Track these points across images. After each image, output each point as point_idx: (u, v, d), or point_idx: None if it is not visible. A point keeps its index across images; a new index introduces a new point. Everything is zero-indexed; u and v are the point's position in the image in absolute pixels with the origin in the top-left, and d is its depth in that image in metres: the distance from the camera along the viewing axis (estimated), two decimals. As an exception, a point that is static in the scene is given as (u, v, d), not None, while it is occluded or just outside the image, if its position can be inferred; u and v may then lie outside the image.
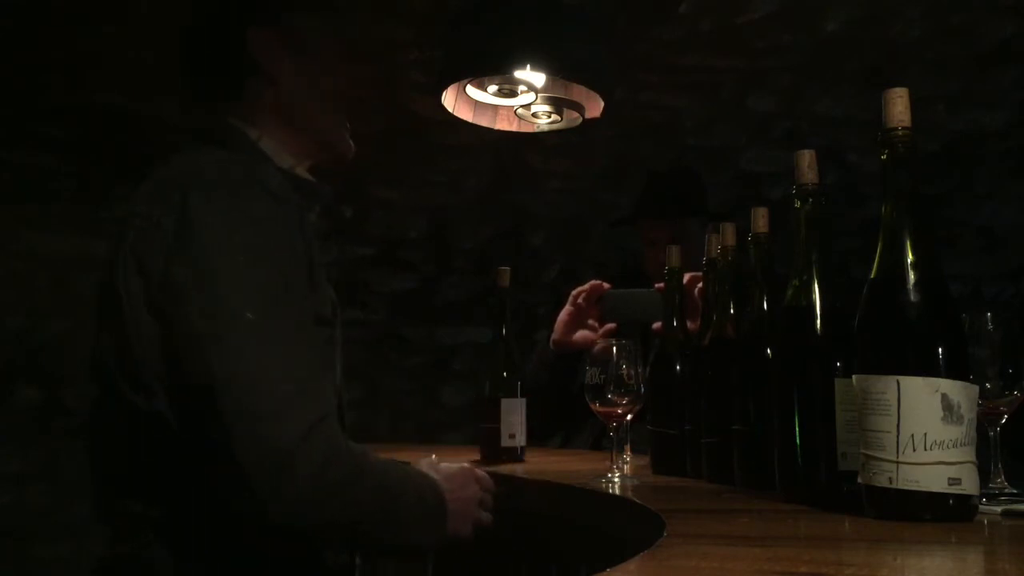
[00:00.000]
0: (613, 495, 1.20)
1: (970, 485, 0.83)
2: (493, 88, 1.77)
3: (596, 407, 1.32)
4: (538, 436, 1.90)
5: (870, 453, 0.85)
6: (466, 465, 1.30)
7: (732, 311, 1.30)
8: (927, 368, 0.84)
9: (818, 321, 1.01)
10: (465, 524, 1.22)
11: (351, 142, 1.37)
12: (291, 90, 1.28)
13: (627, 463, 1.52)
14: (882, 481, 0.84)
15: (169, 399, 1.06)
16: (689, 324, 1.52)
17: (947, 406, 0.82)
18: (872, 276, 0.90)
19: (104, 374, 1.11)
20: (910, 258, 0.87)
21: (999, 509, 0.91)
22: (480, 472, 1.30)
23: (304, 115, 1.30)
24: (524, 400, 1.73)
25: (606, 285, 2.02)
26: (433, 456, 1.33)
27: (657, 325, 1.62)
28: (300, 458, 0.98)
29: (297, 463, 0.98)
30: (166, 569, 1.08)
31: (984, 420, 1.02)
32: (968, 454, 0.83)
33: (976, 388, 0.86)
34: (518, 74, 1.68)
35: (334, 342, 1.25)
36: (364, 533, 1.11)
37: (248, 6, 1.29)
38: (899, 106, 0.89)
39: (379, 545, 1.21)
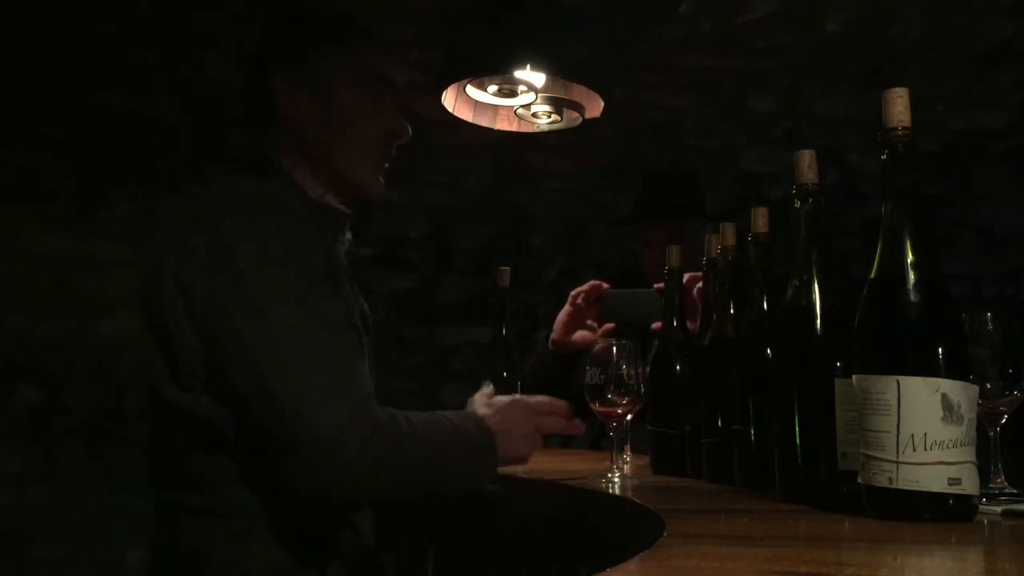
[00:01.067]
0: (613, 495, 1.20)
1: (970, 485, 0.83)
2: (493, 88, 1.77)
3: (596, 407, 1.32)
4: None
5: (870, 453, 0.85)
6: (517, 396, 1.41)
7: (732, 311, 1.30)
8: (927, 368, 0.84)
9: (818, 321, 1.01)
10: (522, 443, 1.30)
11: (382, 182, 1.42)
12: (312, 133, 1.35)
13: (627, 463, 1.52)
14: (882, 481, 0.84)
15: (212, 398, 1.17)
16: (689, 324, 1.52)
17: (947, 406, 0.82)
18: (872, 276, 0.90)
19: (150, 378, 1.22)
20: (910, 258, 0.87)
21: (999, 509, 0.91)
22: (537, 398, 1.39)
23: (326, 156, 1.36)
24: (524, 400, 1.72)
25: (605, 285, 2.02)
26: (489, 387, 1.42)
27: (657, 325, 1.62)
28: (346, 438, 1.10)
29: (344, 443, 1.10)
30: (206, 555, 1.19)
31: (984, 420, 1.02)
32: (968, 454, 0.83)
33: (976, 388, 0.86)
34: (518, 74, 1.68)
35: (364, 347, 1.32)
36: (422, 490, 1.23)
37: (271, 54, 1.36)
38: (899, 106, 0.89)
39: (439, 495, 1.30)
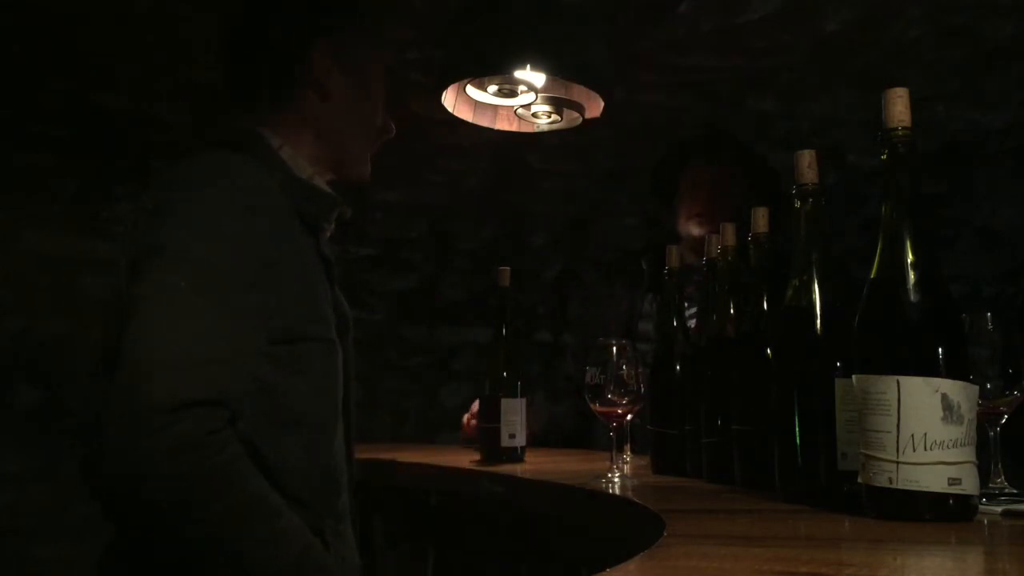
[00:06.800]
0: (613, 495, 1.20)
1: (970, 485, 0.83)
2: (493, 88, 1.77)
3: (596, 407, 1.32)
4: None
5: (870, 453, 0.85)
6: None
7: (732, 311, 1.30)
8: (927, 368, 0.84)
9: (818, 321, 1.01)
10: None
11: (369, 167, 1.42)
12: (336, 105, 1.33)
13: (627, 463, 1.52)
14: (882, 481, 0.84)
15: None
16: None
17: (947, 406, 0.82)
18: (872, 276, 0.90)
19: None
20: (910, 258, 0.87)
21: (999, 509, 0.91)
22: None
23: (338, 131, 1.35)
24: (524, 400, 1.72)
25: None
26: None
27: None
28: (162, 424, 0.95)
29: (157, 427, 0.95)
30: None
31: (984, 420, 1.02)
32: (968, 454, 0.83)
33: (976, 388, 0.86)
34: (518, 74, 1.69)
35: (334, 355, 1.25)
36: (199, 542, 1.01)
37: (315, 22, 1.34)
38: (899, 106, 0.89)
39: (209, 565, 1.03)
